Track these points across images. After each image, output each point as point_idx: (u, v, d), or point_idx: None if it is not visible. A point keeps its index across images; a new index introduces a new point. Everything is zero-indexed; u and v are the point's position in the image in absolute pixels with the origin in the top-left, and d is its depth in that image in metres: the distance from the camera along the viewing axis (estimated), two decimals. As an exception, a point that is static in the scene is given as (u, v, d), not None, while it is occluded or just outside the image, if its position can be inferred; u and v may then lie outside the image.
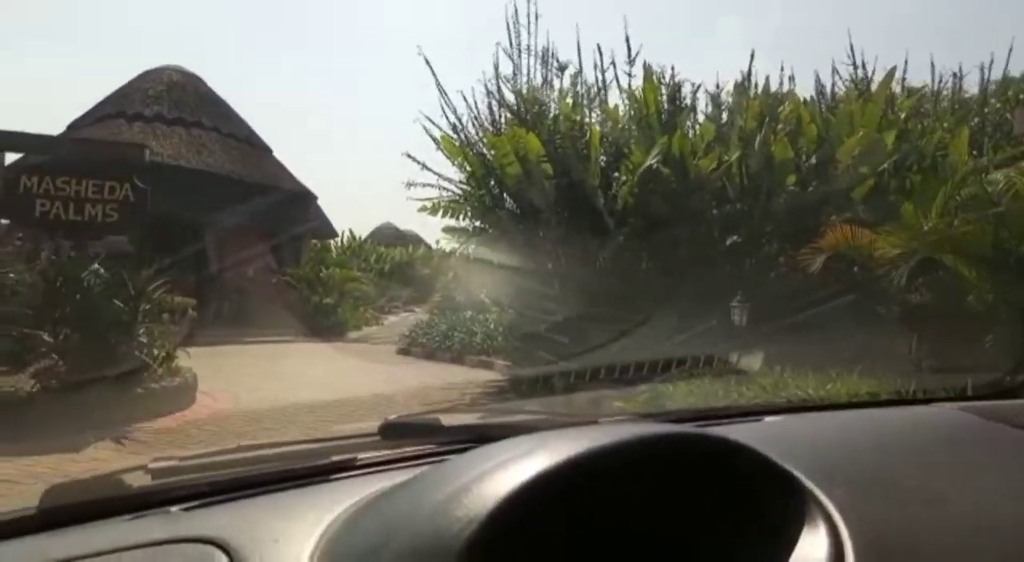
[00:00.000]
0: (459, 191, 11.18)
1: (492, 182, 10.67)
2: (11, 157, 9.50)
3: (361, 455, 1.21)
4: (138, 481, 1.10)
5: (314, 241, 23.77)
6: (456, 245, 12.20)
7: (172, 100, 20.40)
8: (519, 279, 11.26)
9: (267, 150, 22.10)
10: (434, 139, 11.18)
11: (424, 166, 11.09)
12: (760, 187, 10.49)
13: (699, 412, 1.67)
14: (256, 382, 10.76)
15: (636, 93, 11.34)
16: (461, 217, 11.04)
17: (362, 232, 35.34)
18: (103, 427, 7.01)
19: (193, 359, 11.79)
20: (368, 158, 52.27)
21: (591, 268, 10.46)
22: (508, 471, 0.80)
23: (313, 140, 46.57)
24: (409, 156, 11.02)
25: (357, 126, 54.13)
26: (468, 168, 10.74)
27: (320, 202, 22.64)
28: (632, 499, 0.85)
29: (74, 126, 20.31)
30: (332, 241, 26.55)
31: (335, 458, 1.20)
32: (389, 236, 38.87)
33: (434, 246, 36.99)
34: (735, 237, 10.46)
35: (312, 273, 19.79)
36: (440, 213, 10.83)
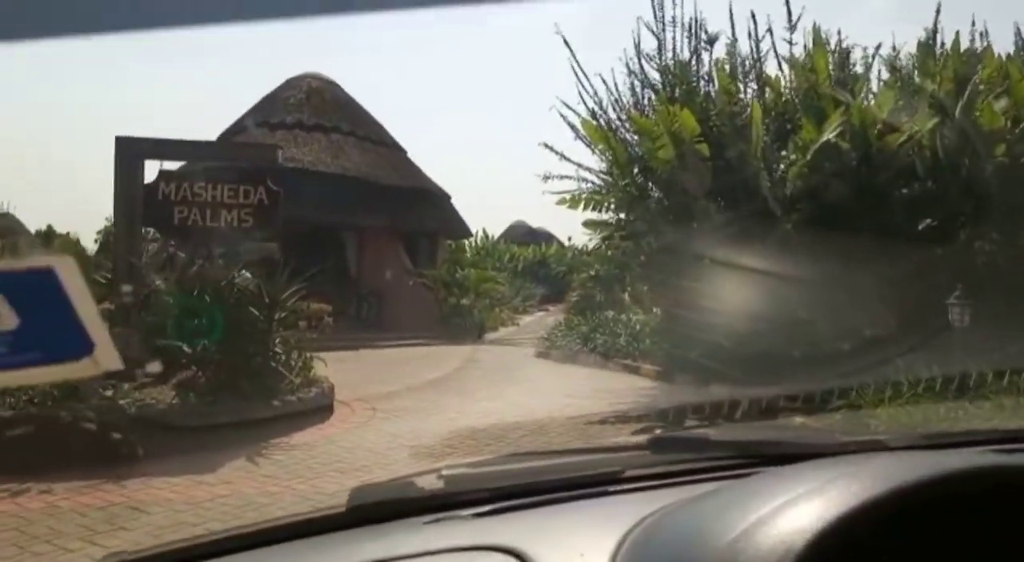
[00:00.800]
0: (600, 181, 10.19)
1: (638, 169, 9.59)
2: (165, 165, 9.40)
3: (632, 468, 1.20)
4: (431, 485, 1.14)
5: (448, 241, 23.49)
6: (598, 240, 11.19)
7: (311, 107, 20.60)
8: (668, 275, 10.13)
9: (401, 151, 21.95)
10: (572, 126, 10.25)
11: (562, 156, 10.19)
12: (958, 161, 8.85)
13: (1000, 434, 1.50)
14: (392, 389, 10.24)
15: (799, 61, 9.93)
16: (604, 209, 10.04)
17: (495, 231, 35.00)
18: (238, 445, 6.59)
19: (331, 366, 11.45)
20: (500, 155, 52.06)
21: (754, 261, 9.17)
22: (825, 498, 0.75)
23: (446, 138, 46.86)
24: (546, 146, 10.16)
25: (489, 122, 53.99)
26: (611, 155, 9.72)
27: (454, 202, 22.32)
28: (952, 533, 0.80)
29: (223, 137, 20.93)
30: (466, 241, 26.23)
31: (609, 469, 1.20)
32: (521, 234, 38.34)
33: (567, 243, 36.55)
34: (929, 220, 8.88)
35: (448, 274, 19.39)
36: (581, 206, 9.88)
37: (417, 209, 20.12)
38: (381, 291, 19.33)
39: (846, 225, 8.98)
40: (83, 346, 0.71)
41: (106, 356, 0.74)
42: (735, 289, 9.30)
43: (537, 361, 13.97)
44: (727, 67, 9.63)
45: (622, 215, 10.24)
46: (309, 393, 7.81)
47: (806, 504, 0.75)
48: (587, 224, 10.54)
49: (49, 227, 23.51)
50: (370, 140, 20.79)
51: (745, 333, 9.24)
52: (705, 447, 1.30)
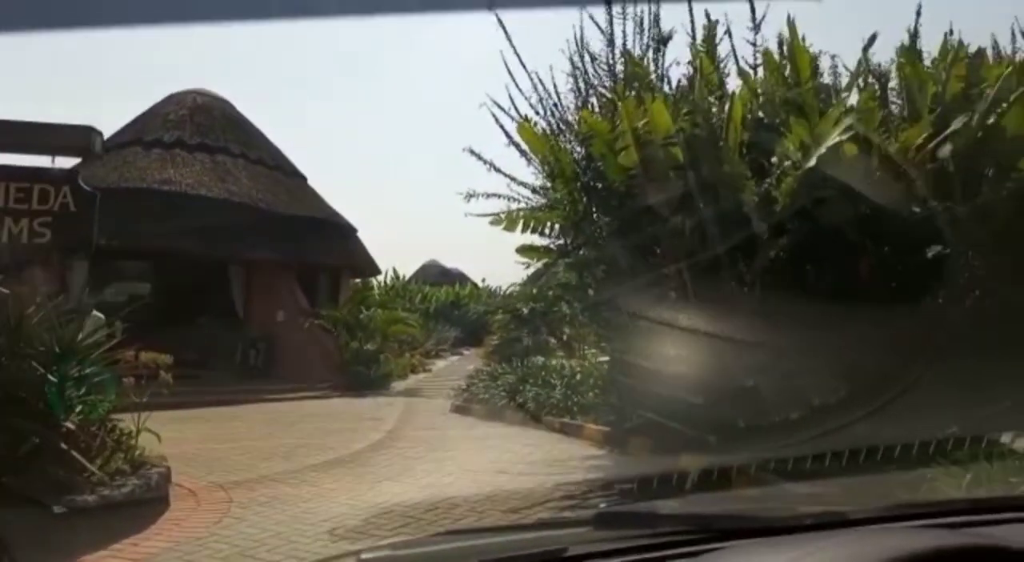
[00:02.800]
0: (535, 198, 8.05)
1: (585, 181, 7.48)
2: None
3: (576, 545, 1.10)
4: None
5: (355, 280, 20.86)
6: (533, 270, 8.98)
7: (195, 125, 17.79)
8: (621, 315, 8.00)
9: (301, 178, 19.33)
10: (505, 131, 8.09)
11: (492, 166, 7.99)
12: (970, 175, 7.10)
13: (963, 504, 1.42)
14: (262, 463, 7.61)
15: (774, 61, 8.12)
16: (543, 231, 7.87)
17: (406, 271, 32.50)
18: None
19: (195, 430, 8.75)
20: (414, 190, 48.81)
21: (729, 298, 7.18)
22: None
23: (353, 168, 43.48)
24: (472, 153, 7.96)
25: (403, 153, 50.68)
26: (552, 165, 7.61)
27: (361, 236, 19.78)
28: None
29: (89, 157, 17.82)
30: (374, 279, 23.63)
31: (550, 548, 1.10)
32: (435, 274, 36.06)
33: (481, 284, 34.44)
34: (938, 248, 7.08)
35: (351, 315, 16.75)
36: (519, 227, 7.69)
37: (317, 242, 17.49)
38: (272, 334, 16.49)
39: (842, 256, 7.12)
40: None
41: None
42: (702, 334, 7.25)
43: (455, 418, 11.51)
44: (703, 54, 7.67)
45: (564, 240, 8.08)
46: (122, 488, 5.15)
47: None
48: (522, 250, 8.31)
49: None
50: (263, 164, 18.11)
51: (709, 389, 7.20)
52: (653, 522, 1.21)
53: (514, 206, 7.88)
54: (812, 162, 6.50)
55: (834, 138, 6.48)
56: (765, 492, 4.12)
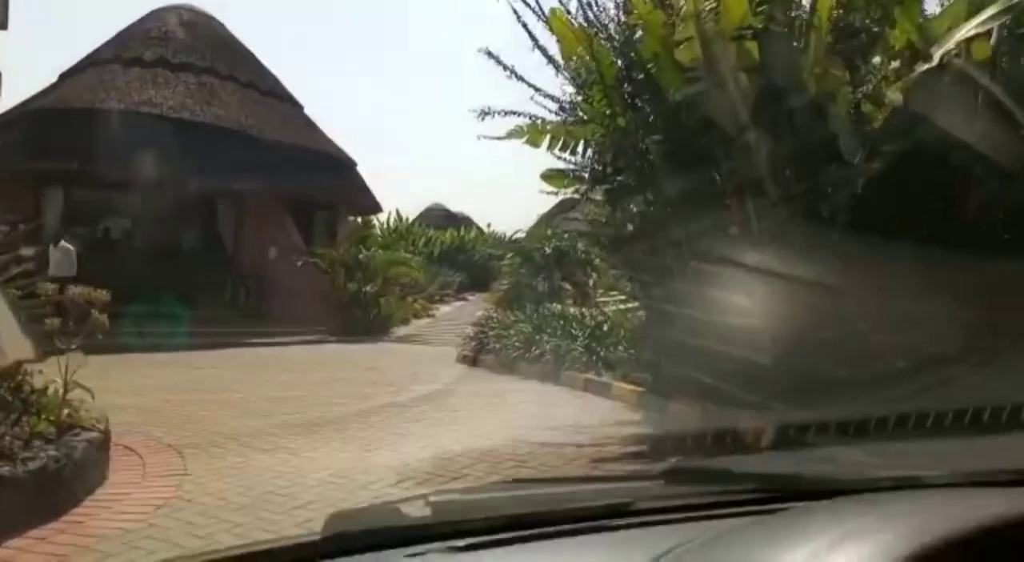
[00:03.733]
0: (566, 111, 6.58)
1: (634, 87, 6.02)
2: None
3: (644, 499, 1.06)
4: (418, 512, 0.99)
5: (354, 219, 19.43)
6: (559, 200, 7.53)
7: (179, 42, 16.14)
8: (665, 254, 6.63)
9: (297, 106, 17.76)
10: (528, 30, 6.55)
11: (513, 73, 6.51)
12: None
13: None
14: (235, 421, 6.34)
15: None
16: (576, 149, 6.43)
17: (410, 214, 31.06)
18: None
19: (155, 379, 7.57)
20: (418, 129, 46.57)
21: (809, 232, 5.81)
22: (872, 541, 0.66)
23: (355, 100, 41.19)
24: (490, 56, 6.48)
25: (408, 88, 47.93)
26: (591, 67, 6.12)
27: (362, 173, 18.28)
28: None
29: (66, 75, 16.23)
30: (375, 219, 22.22)
31: (616, 501, 1.05)
32: (439, 218, 34.53)
33: (487, 230, 32.96)
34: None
35: (349, 255, 15.39)
36: (545, 141, 6.26)
37: (313, 175, 16.00)
38: (263, 273, 15.18)
39: (947, 192, 5.71)
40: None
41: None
42: (767, 278, 5.89)
43: (462, 370, 10.24)
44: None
45: (598, 163, 6.64)
46: (33, 458, 3.87)
47: (854, 545, 0.65)
48: (548, 177, 6.89)
49: None
50: (255, 88, 16.53)
51: (776, 344, 5.90)
52: (725, 479, 1.16)
53: (538, 121, 6.40)
54: (935, 59, 5.02)
55: (967, 31, 4.99)
56: (841, 453, 3.56)
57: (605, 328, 8.99)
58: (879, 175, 5.59)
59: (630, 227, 6.68)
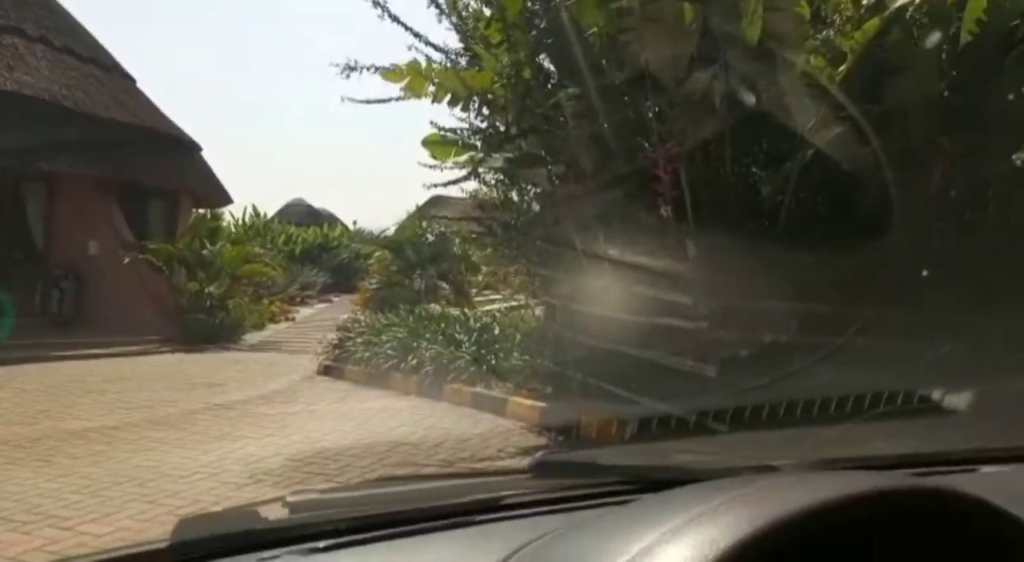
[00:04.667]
0: (456, 63, 5.18)
1: (545, 26, 4.67)
2: None
3: (510, 493, 1.06)
4: (275, 514, 0.96)
5: (199, 211, 17.01)
6: (451, 167, 6.02)
7: (-27, -5, 13.34)
8: (573, 244, 5.38)
9: (128, 79, 15.25)
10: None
11: (390, 15, 5.01)
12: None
13: (900, 458, 1.34)
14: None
15: None
16: (469, 105, 5.01)
17: (269, 210, 28.62)
18: None
19: None
20: (277, 117, 42.83)
21: (763, 222, 4.76)
22: (716, 523, 0.67)
23: (204, 83, 37.24)
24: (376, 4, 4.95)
25: (267, 75, 43.82)
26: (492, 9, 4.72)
27: (210, 161, 15.96)
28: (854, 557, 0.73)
29: None
30: (229, 213, 19.84)
31: (483, 496, 1.05)
32: (301, 214, 32.15)
33: (352, 227, 30.92)
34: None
35: (190, 250, 13.19)
36: (428, 92, 4.80)
37: (147, 157, 13.66)
38: (83, 272, 12.70)
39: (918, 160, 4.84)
40: None
41: None
42: (704, 272, 4.78)
43: (324, 384, 8.56)
44: None
45: (495, 126, 5.27)
46: None
47: (697, 529, 0.67)
48: (431, 144, 5.43)
49: None
50: (73, 54, 13.91)
51: (658, 336, 4.92)
52: (591, 471, 1.19)
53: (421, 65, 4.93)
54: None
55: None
56: (705, 443, 3.73)
57: (496, 332, 7.64)
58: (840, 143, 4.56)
59: (535, 208, 5.34)
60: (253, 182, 40.73)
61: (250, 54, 43.08)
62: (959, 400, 4.30)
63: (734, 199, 4.64)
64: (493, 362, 7.13)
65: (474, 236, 13.69)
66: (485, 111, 5.14)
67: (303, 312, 18.14)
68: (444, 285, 13.03)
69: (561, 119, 4.85)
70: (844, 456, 1.36)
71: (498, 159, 4.87)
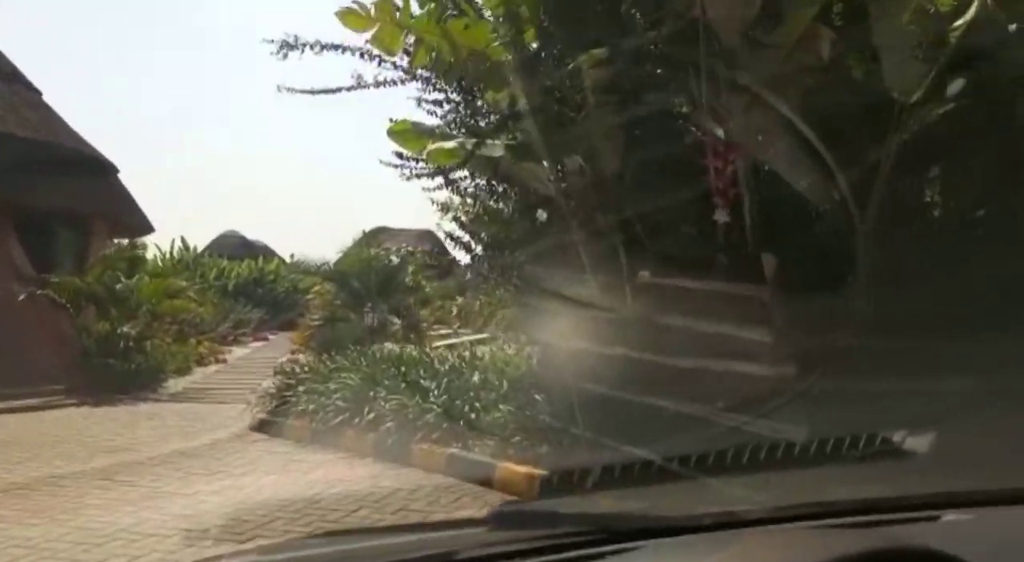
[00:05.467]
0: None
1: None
2: None
3: (468, 547, 1.02)
4: None
5: (117, 241, 15.12)
6: (422, 156, 4.59)
7: None
8: (593, 260, 4.10)
9: (32, 91, 13.45)
10: None
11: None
12: None
13: (861, 503, 1.31)
14: None
15: None
16: (448, 75, 3.72)
17: (197, 242, 26.70)
18: None
19: None
20: (206, 144, 39.85)
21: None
22: None
23: (125, 101, 34.24)
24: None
25: (193, 92, 40.60)
26: None
27: (131, 189, 14.16)
28: None
29: None
30: (156, 246, 17.96)
31: (436, 551, 1.02)
32: (234, 246, 30.20)
33: (289, 260, 29.06)
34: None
35: (101, 284, 11.40)
36: (402, 42, 3.50)
37: (52, 178, 11.84)
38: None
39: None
40: None
41: None
42: (731, 293, 3.57)
43: (258, 445, 6.95)
44: None
45: (485, 105, 3.97)
46: None
47: None
48: (399, 134, 4.12)
49: None
50: (-37, 61, 12.13)
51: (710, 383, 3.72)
52: (550, 522, 1.14)
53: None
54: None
55: None
56: (667, 490, 3.34)
57: (473, 377, 6.23)
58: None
59: (541, 217, 3.99)
60: (179, 210, 38.07)
61: (177, 64, 40.52)
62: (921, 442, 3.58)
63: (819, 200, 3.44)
64: (472, 415, 5.73)
65: (432, 263, 12.36)
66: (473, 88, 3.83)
67: (236, 352, 16.33)
68: (395, 320, 11.56)
69: (579, 96, 3.59)
70: (807, 502, 1.30)
71: (496, 146, 3.57)
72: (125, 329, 10.99)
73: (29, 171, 11.38)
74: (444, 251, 11.99)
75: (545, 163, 3.91)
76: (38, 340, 10.56)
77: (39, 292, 10.70)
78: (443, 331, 14.31)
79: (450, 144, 3.63)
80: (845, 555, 0.74)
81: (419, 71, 4.36)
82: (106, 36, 37.05)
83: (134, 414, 9.14)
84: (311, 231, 45.02)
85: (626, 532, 0.93)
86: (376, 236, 17.16)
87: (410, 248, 14.48)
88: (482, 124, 3.96)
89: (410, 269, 12.04)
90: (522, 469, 5.01)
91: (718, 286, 3.41)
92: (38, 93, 13.58)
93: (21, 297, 10.44)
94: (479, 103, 3.99)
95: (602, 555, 0.89)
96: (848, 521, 1.14)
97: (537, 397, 5.56)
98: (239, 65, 42.02)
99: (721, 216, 3.41)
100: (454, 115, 4.13)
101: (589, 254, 4.01)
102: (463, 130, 4.03)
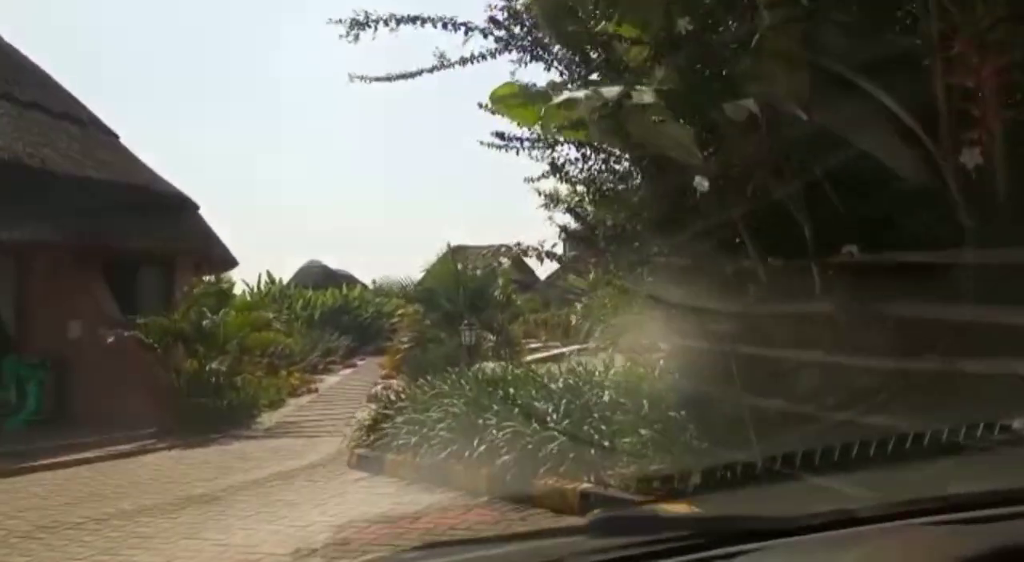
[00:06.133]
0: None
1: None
2: None
3: (571, 555, 1.03)
4: None
5: (206, 278, 14.94)
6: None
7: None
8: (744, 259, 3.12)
9: (109, 134, 13.38)
10: None
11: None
12: None
13: (982, 497, 1.17)
14: None
15: None
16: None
17: (282, 274, 26.82)
18: None
19: None
20: (288, 171, 40.37)
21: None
22: None
23: (204, 141, 35.08)
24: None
25: (270, 122, 41.31)
26: None
27: (213, 223, 13.94)
28: None
29: None
30: (239, 279, 17.80)
31: (546, 559, 1.04)
32: (317, 276, 30.32)
33: (371, 285, 28.91)
34: None
35: (187, 321, 11.04)
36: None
37: (135, 219, 11.64)
38: (63, 358, 10.58)
39: None
40: None
41: None
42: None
43: (360, 487, 6.16)
44: None
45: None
46: None
47: None
48: (500, 98, 3.33)
49: None
50: (42, 109, 12.07)
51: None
52: (652, 527, 1.11)
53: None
54: None
55: None
56: (773, 491, 3.12)
57: (604, 397, 5.30)
58: None
59: (700, 186, 3.02)
60: (260, 244, 38.69)
61: (251, 102, 41.42)
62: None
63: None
64: (604, 443, 4.79)
65: (517, 278, 11.51)
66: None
67: (327, 381, 15.89)
68: (490, 336, 10.75)
69: (749, 14, 2.65)
70: (922, 497, 1.18)
71: (645, 92, 2.69)
72: (214, 366, 10.57)
73: (110, 213, 11.18)
74: (523, 265, 11.22)
75: (696, 120, 2.98)
76: (127, 383, 10.23)
77: (126, 334, 10.37)
78: (534, 344, 13.48)
79: (581, 93, 2.78)
80: (978, 554, 0.68)
81: (519, 30, 3.53)
82: (184, 78, 38.22)
83: (225, 455, 8.61)
84: (389, 257, 45.17)
85: (730, 535, 0.89)
86: (453, 254, 16.56)
87: (496, 262, 13.68)
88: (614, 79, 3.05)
89: (500, 282, 11.21)
90: (679, 508, 4.06)
91: (970, 258, 2.41)
92: (115, 136, 13.50)
93: (109, 340, 10.12)
94: (613, 46, 3.08)
95: (707, 560, 0.85)
96: (973, 515, 1.04)
97: (675, 415, 4.60)
98: (312, 90, 42.69)
99: (970, 158, 2.41)
100: (578, 68, 3.26)
101: (757, 232, 3.04)
102: (591, 85, 3.15)
